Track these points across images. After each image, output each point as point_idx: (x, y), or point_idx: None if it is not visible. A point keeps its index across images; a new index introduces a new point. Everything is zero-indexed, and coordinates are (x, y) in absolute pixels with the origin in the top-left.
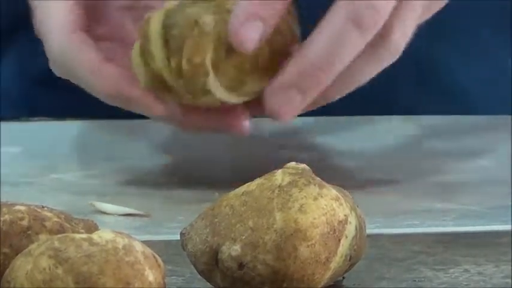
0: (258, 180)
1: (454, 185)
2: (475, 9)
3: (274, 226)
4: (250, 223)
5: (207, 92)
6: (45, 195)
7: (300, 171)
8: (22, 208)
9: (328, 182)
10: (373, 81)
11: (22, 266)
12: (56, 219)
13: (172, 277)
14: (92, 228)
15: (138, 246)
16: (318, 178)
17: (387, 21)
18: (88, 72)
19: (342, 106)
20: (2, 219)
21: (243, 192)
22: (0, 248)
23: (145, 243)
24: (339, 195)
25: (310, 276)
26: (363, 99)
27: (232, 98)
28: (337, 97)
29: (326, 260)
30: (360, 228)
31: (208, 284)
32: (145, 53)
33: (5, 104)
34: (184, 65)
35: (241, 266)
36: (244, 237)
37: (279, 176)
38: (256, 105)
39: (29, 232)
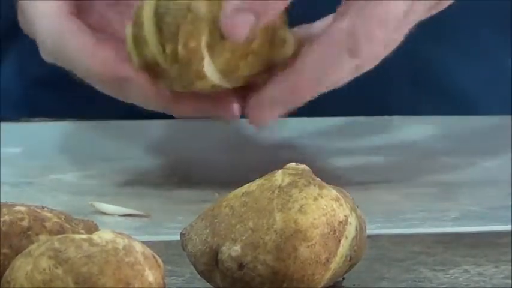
0: (258, 181)
1: (454, 185)
2: (475, 9)
3: (274, 227)
4: (251, 224)
5: (202, 76)
6: (45, 195)
7: (299, 171)
8: (22, 209)
9: (328, 182)
10: (373, 82)
11: (22, 267)
12: (56, 219)
13: (172, 277)
14: (91, 228)
15: (138, 247)
16: (318, 179)
17: None
18: (82, 54)
19: (341, 106)
20: (1, 219)
21: (243, 193)
22: (0, 248)
23: (145, 243)
24: (339, 196)
25: (310, 277)
26: (363, 100)
27: (225, 83)
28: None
29: (326, 261)
30: (360, 228)
31: (208, 284)
32: (138, 40)
33: (5, 104)
34: (181, 50)
35: (241, 266)
36: (244, 237)
37: (279, 177)
38: (242, 93)
39: (29, 233)
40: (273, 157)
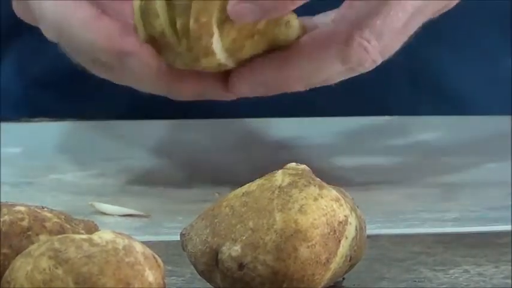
0: (258, 181)
1: (454, 185)
2: (475, 9)
3: (275, 227)
4: (251, 224)
5: (209, 53)
6: (45, 195)
7: (300, 172)
8: (22, 209)
9: (328, 182)
10: (373, 82)
11: (22, 267)
12: (56, 219)
13: (172, 277)
14: (92, 228)
15: (138, 247)
16: (318, 179)
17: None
18: (83, 28)
19: (341, 107)
20: (2, 219)
21: (243, 193)
22: (0, 248)
23: (145, 243)
24: (339, 196)
25: (310, 277)
26: (362, 100)
27: (230, 62)
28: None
29: (326, 261)
30: (360, 228)
31: (208, 284)
32: (146, 13)
33: (5, 104)
34: (192, 24)
35: (241, 266)
36: (244, 237)
37: (279, 177)
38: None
39: (29, 233)
40: (273, 157)
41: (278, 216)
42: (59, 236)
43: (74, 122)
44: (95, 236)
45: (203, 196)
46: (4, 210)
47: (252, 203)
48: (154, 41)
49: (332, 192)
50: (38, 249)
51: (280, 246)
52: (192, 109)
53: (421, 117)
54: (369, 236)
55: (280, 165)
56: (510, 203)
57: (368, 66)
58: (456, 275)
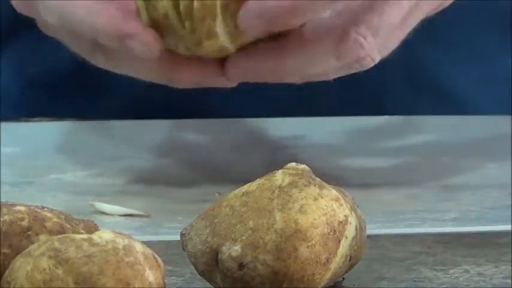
0: (258, 181)
1: (454, 185)
2: (473, 9)
3: (275, 226)
4: (251, 223)
5: (212, 35)
6: (45, 195)
7: (300, 171)
8: (22, 208)
9: (328, 182)
10: (372, 82)
11: (22, 267)
12: (56, 219)
13: (172, 277)
14: (92, 228)
15: (138, 247)
16: (318, 179)
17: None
18: (85, 10)
19: (340, 106)
20: (1, 219)
21: (243, 193)
22: (0, 248)
23: (145, 243)
24: (339, 196)
25: (310, 277)
26: (362, 100)
27: (231, 47)
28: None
29: (326, 261)
30: (360, 228)
31: (209, 284)
32: None
33: (4, 104)
34: (196, 5)
35: (241, 266)
36: (244, 237)
37: (279, 177)
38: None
39: (29, 232)
40: (273, 157)
41: (278, 216)
42: (59, 236)
43: (74, 122)
44: (95, 236)
45: (203, 196)
46: (4, 210)
47: (252, 202)
48: (157, 25)
49: (332, 192)
50: (38, 249)
51: (280, 246)
52: (192, 109)
53: (421, 117)
54: (369, 236)
55: (280, 165)
56: (510, 203)
57: (365, 63)
58: (456, 275)
